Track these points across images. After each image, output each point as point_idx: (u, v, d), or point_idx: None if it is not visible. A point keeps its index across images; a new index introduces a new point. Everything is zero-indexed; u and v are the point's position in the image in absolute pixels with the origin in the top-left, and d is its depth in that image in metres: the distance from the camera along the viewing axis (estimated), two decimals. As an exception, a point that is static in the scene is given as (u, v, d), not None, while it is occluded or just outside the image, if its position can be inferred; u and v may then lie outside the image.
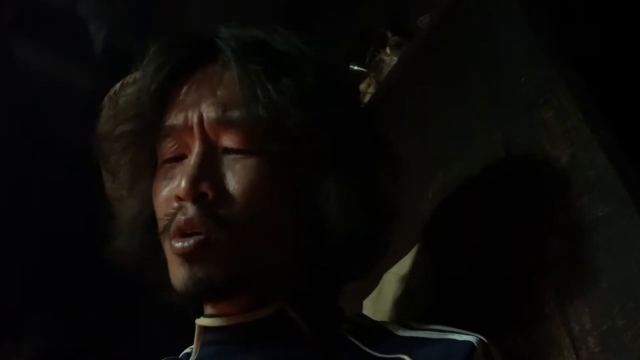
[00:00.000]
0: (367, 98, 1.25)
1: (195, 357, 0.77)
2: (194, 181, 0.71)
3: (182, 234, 0.71)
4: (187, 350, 0.81)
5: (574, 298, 0.73)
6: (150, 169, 0.78)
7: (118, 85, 1.05)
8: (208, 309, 0.77)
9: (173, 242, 0.71)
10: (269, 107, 0.71)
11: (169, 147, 0.75)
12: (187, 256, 0.71)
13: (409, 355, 0.70)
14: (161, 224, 0.74)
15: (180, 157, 0.75)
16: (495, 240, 0.85)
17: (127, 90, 0.79)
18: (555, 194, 0.78)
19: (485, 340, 0.71)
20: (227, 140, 0.73)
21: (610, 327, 0.69)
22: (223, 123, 0.73)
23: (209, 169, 0.72)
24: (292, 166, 0.74)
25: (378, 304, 1.00)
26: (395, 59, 1.23)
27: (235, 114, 0.72)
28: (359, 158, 0.76)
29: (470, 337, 0.71)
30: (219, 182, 0.72)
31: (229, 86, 0.74)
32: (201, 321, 0.77)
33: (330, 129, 0.74)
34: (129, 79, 1.04)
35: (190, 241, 0.70)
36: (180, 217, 0.71)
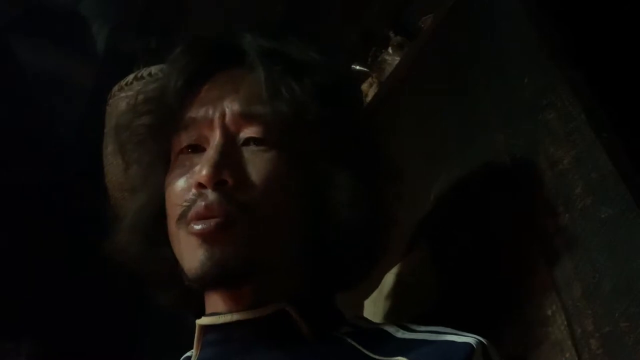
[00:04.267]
0: (369, 98, 1.25)
1: (196, 358, 0.77)
2: (216, 167, 0.72)
3: (200, 218, 0.72)
4: (188, 354, 0.81)
5: (576, 300, 0.73)
6: (164, 164, 0.80)
7: (131, 77, 1.06)
8: (210, 307, 0.78)
9: (192, 225, 0.72)
10: (292, 103, 0.74)
11: (187, 138, 0.77)
12: (206, 237, 0.71)
13: (408, 357, 0.70)
14: (178, 210, 0.74)
15: (197, 149, 0.77)
16: (497, 242, 0.85)
17: (148, 85, 0.81)
18: (558, 196, 0.78)
19: (484, 341, 0.71)
20: (248, 132, 0.75)
21: (612, 329, 0.69)
22: (245, 117, 0.75)
23: (229, 159, 0.74)
24: (310, 161, 0.76)
25: (379, 304, 1.00)
26: (397, 59, 1.23)
27: (257, 109, 0.75)
28: (370, 157, 0.79)
29: (469, 339, 0.70)
30: (238, 172, 0.73)
31: (252, 85, 0.77)
32: (202, 320, 0.77)
33: (348, 127, 0.78)
34: (144, 72, 1.06)
35: (211, 222, 0.71)
36: (200, 203, 0.72)
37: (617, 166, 0.73)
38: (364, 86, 1.30)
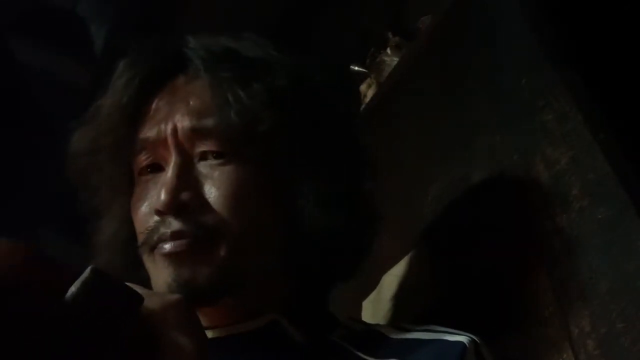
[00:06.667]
0: (367, 99, 1.25)
1: None
2: (174, 192, 0.69)
3: (167, 240, 0.69)
4: None
5: (573, 301, 0.73)
6: (127, 186, 0.76)
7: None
8: None
9: (160, 245, 0.69)
10: (241, 112, 0.70)
11: (143, 160, 0.74)
12: (175, 257, 0.69)
13: (402, 359, 0.69)
14: (141, 238, 0.72)
15: (156, 169, 0.73)
16: (495, 243, 0.85)
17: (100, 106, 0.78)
18: (555, 197, 0.78)
19: (477, 339, 0.70)
20: (203, 147, 0.72)
21: (609, 330, 0.69)
22: (197, 132, 0.71)
23: (187, 179, 0.70)
24: (270, 169, 0.73)
25: (377, 305, 1.00)
26: (395, 60, 1.23)
27: (208, 122, 0.71)
28: (336, 159, 0.75)
29: (462, 337, 0.70)
30: (198, 191, 0.70)
31: (200, 95, 0.73)
32: None
33: (305, 131, 0.73)
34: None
35: (183, 242, 0.68)
36: (165, 231, 0.69)
37: (614, 167, 0.73)
38: (363, 87, 1.30)
